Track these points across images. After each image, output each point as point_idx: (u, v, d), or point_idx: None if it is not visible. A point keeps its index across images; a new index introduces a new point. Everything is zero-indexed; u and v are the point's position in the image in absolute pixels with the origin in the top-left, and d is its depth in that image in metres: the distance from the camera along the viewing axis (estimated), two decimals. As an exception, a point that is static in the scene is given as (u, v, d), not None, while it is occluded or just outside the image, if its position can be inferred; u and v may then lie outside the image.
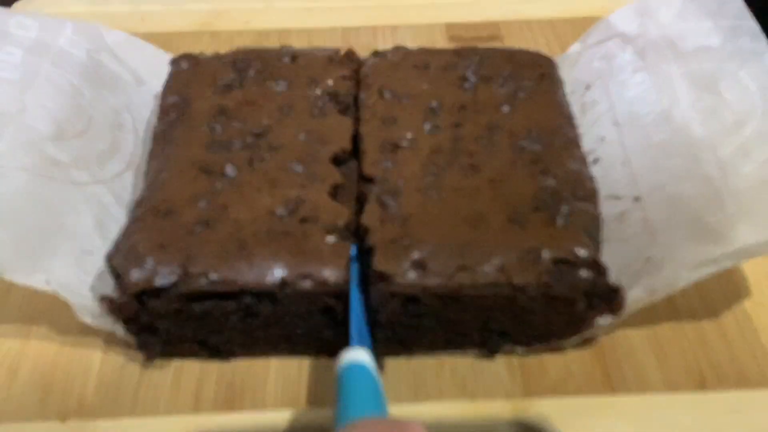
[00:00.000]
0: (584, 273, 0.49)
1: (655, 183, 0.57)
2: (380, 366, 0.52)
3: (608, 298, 0.50)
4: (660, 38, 0.64)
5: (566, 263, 0.50)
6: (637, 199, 0.57)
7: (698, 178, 0.54)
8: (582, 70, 0.69)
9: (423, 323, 0.51)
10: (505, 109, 0.60)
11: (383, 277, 0.49)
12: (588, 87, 0.68)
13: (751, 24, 0.59)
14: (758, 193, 0.50)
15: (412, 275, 0.49)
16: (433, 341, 0.52)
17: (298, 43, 0.79)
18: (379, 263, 0.49)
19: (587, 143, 0.63)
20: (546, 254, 0.50)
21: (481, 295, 0.49)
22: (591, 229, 0.52)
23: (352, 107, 0.62)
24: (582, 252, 0.50)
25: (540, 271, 0.49)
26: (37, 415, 0.50)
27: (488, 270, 0.49)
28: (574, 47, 0.72)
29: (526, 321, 0.51)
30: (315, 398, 0.51)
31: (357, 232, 0.53)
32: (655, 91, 0.62)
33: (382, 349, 0.52)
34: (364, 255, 0.52)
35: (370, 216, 0.52)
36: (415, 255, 0.50)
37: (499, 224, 0.51)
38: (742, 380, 0.52)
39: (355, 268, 0.51)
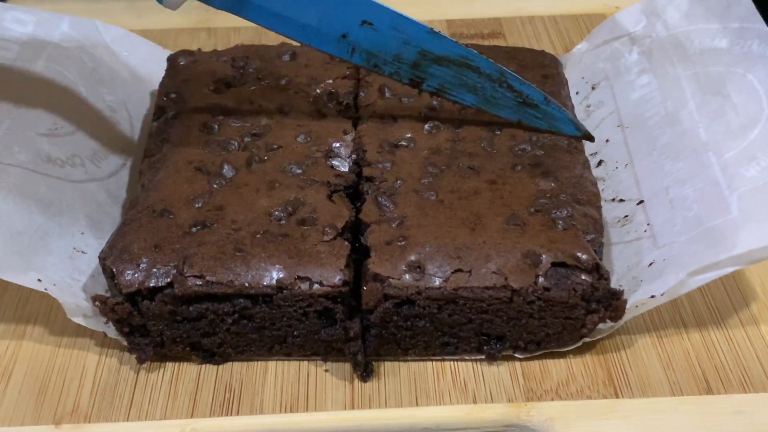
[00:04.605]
0: (584, 277, 0.49)
1: (658, 186, 0.56)
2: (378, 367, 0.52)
3: (608, 303, 0.50)
4: (667, 39, 0.63)
5: (565, 267, 0.49)
6: (640, 202, 0.57)
7: (702, 181, 0.54)
8: (587, 70, 0.69)
9: (417, 325, 0.50)
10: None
11: (378, 278, 0.48)
12: (593, 88, 0.67)
13: (760, 26, 0.58)
14: (763, 197, 0.50)
15: (407, 278, 0.48)
16: (428, 344, 0.52)
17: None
18: (374, 264, 0.49)
19: (591, 145, 0.63)
20: (545, 258, 0.49)
21: (478, 299, 0.49)
22: (592, 232, 0.51)
23: (352, 107, 0.61)
24: (582, 256, 0.49)
25: (538, 275, 0.48)
26: (31, 420, 0.50)
27: (485, 273, 0.49)
28: (580, 46, 0.71)
29: (523, 326, 0.50)
30: (314, 402, 0.51)
31: (355, 232, 0.52)
32: (660, 94, 0.61)
33: (375, 348, 0.52)
34: (360, 254, 0.51)
35: (368, 216, 0.52)
36: (411, 257, 0.49)
37: (498, 227, 0.51)
38: (746, 383, 0.51)
39: None
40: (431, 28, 0.54)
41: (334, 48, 0.54)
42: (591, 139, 0.58)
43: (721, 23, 0.60)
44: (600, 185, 0.57)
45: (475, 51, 0.56)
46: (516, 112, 0.58)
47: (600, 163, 0.62)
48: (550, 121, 0.58)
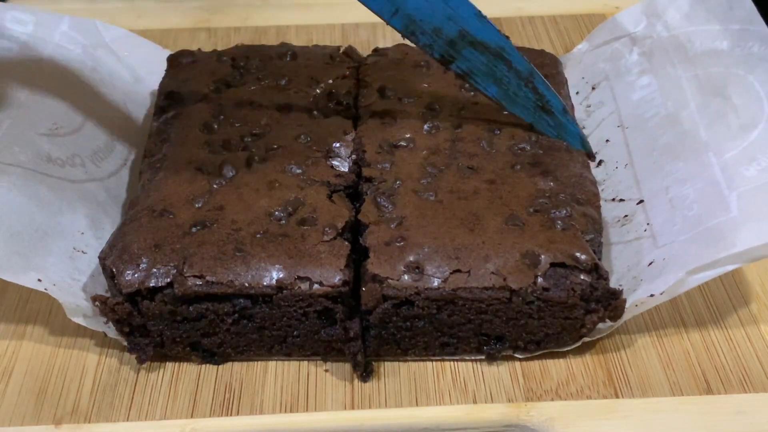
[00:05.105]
0: (583, 277, 0.49)
1: (658, 186, 0.56)
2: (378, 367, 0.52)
3: (607, 302, 0.50)
4: (668, 40, 0.63)
5: (564, 267, 0.49)
6: (640, 202, 0.57)
7: (702, 181, 0.54)
8: (587, 70, 0.69)
9: (416, 325, 0.50)
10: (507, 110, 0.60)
11: (377, 279, 0.48)
12: (593, 88, 0.67)
13: (762, 29, 0.58)
14: (763, 197, 0.50)
15: (406, 278, 0.48)
16: (427, 344, 0.52)
17: (296, 40, 0.78)
18: (373, 265, 0.49)
19: (592, 145, 0.63)
20: (544, 258, 0.49)
21: (477, 299, 0.49)
22: (591, 232, 0.51)
23: (352, 107, 0.61)
24: (581, 256, 0.49)
25: (537, 275, 0.48)
26: (31, 420, 0.50)
27: (484, 273, 0.49)
28: (580, 46, 0.71)
29: (523, 326, 0.50)
30: (314, 402, 0.51)
31: (354, 232, 0.52)
32: (660, 95, 0.61)
33: (375, 348, 0.52)
34: (360, 255, 0.51)
35: (367, 217, 0.52)
36: (410, 257, 0.49)
37: (497, 227, 0.51)
38: (746, 383, 0.51)
39: None
40: (480, 11, 0.54)
41: (379, 4, 0.53)
42: (593, 158, 0.58)
43: (722, 25, 0.60)
44: (600, 185, 0.57)
45: (512, 45, 0.55)
46: (532, 114, 0.57)
47: (600, 163, 0.62)
48: (561, 131, 0.57)
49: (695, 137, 0.56)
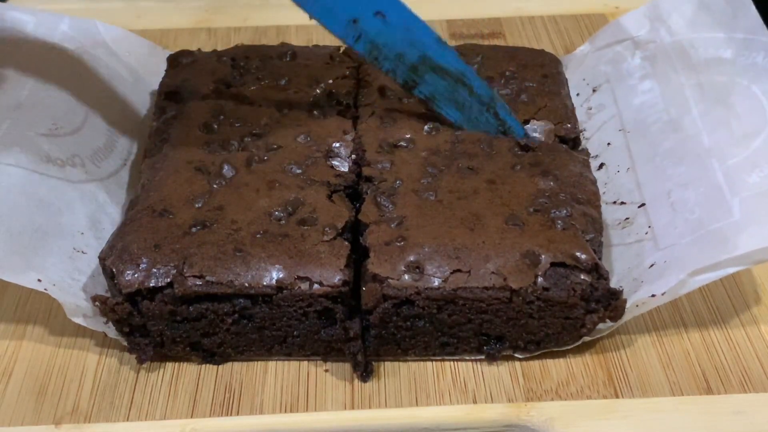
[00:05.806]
0: (583, 277, 0.49)
1: (660, 190, 0.56)
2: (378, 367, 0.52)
3: (607, 302, 0.50)
4: (671, 46, 0.63)
5: (565, 267, 0.49)
6: (641, 205, 0.57)
7: (704, 185, 0.54)
8: (589, 72, 0.69)
9: (417, 325, 0.50)
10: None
11: (377, 279, 0.48)
12: (594, 90, 0.67)
13: (766, 39, 0.57)
14: (765, 202, 0.50)
15: (406, 278, 0.48)
16: (427, 344, 0.52)
17: (297, 40, 0.78)
18: (374, 265, 0.49)
19: (592, 147, 0.63)
20: (544, 258, 0.49)
21: (477, 299, 0.49)
22: (591, 232, 0.51)
23: (352, 107, 0.61)
24: (581, 256, 0.49)
25: (537, 275, 0.48)
26: (31, 420, 0.50)
27: (484, 273, 0.49)
28: (582, 48, 0.71)
29: (523, 326, 0.50)
30: (314, 402, 0.51)
31: (354, 232, 0.52)
32: (662, 100, 0.61)
33: (375, 348, 0.52)
34: (360, 254, 0.51)
35: (367, 216, 0.52)
36: (410, 257, 0.49)
37: (497, 226, 0.51)
38: (746, 383, 0.51)
39: None
40: (440, 37, 0.55)
41: (342, 29, 0.54)
42: None
43: (726, 33, 0.60)
44: (601, 188, 0.57)
45: (474, 71, 0.56)
46: None
47: (601, 166, 0.62)
48: None
49: (698, 143, 0.56)
